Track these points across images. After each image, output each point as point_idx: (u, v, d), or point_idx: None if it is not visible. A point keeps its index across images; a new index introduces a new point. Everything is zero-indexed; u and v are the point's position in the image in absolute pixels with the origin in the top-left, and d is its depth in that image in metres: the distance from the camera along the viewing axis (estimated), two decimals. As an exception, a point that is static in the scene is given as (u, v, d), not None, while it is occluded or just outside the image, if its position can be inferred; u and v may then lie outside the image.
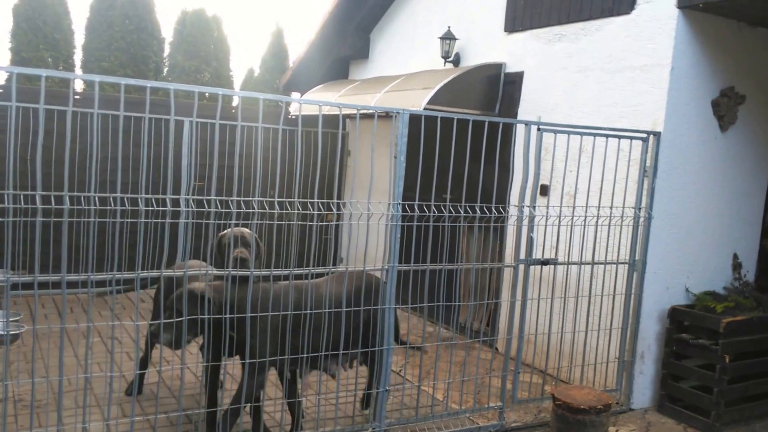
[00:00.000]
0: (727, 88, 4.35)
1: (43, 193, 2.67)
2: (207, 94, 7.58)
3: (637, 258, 4.20)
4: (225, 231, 3.48)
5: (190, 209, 2.98)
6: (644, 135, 4.11)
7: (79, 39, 7.85)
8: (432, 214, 3.47)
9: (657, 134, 4.12)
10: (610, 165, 4.14)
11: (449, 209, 3.53)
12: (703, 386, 4.08)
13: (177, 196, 3.16)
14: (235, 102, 7.68)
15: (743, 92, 4.42)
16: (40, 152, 2.68)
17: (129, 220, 2.88)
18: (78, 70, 7.85)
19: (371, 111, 3.68)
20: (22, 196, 2.61)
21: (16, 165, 2.97)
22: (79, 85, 7.69)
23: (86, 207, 2.75)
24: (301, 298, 3.29)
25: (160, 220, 3.15)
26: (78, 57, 7.86)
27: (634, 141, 4.12)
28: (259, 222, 3.20)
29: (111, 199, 2.81)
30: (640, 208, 4.17)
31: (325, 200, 3.41)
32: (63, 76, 2.80)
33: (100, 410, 3.69)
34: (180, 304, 3.03)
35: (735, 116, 4.42)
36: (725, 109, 4.35)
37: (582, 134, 3.96)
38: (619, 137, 4.05)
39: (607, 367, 4.31)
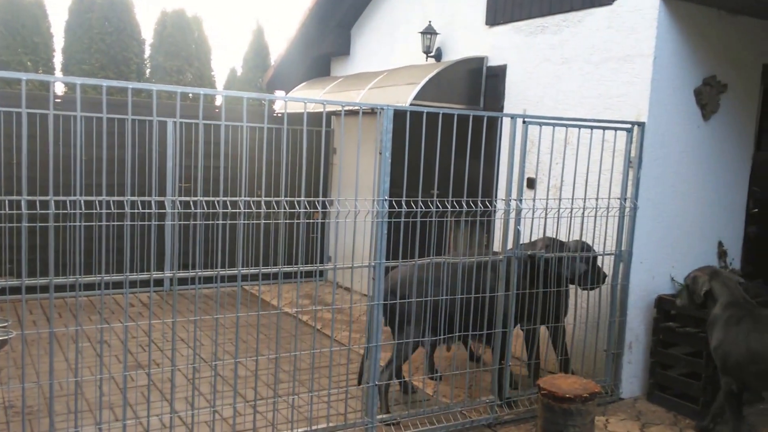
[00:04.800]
0: (709, 77, 4.39)
1: (29, 198, 2.62)
2: (191, 95, 7.52)
3: (623, 248, 4.23)
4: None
5: (176, 210, 2.96)
6: (628, 125, 4.14)
7: (59, 42, 7.75)
8: (419, 209, 3.46)
9: (641, 124, 4.15)
10: (596, 156, 4.16)
11: (436, 204, 3.53)
12: (691, 373, 4.11)
13: (163, 198, 3.13)
14: (219, 101, 7.63)
15: (725, 81, 4.46)
16: (25, 157, 2.64)
17: (115, 223, 2.84)
18: (58, 74, 7.75)
19: (356, 108, 3.67)
20: (7, 202, 2.55)
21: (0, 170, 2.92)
22: (60, 88, 7.59)
23: (72, 211, 2.72)
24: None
25: (146, 223, 3.11)
26: (58, 60, 7.76)
27: (618, 132, 4.15)
28: (245, 222, 3.17)
29: (96, 202, 2.78)
30: (625, 199, 4.20)
31: (311, 198, 3.39)
32: (43, 79, 2.77)
33: (93, 415, 3.66)
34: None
35: (717, 105, 4.46)
36: (707, 97, 4.39)
37: (567, 126, 3.97)
38: (604, 128, 4.08)
39: (596, 358, 4.34)
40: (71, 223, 2.89)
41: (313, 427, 3.48)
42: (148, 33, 8.20)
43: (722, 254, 4.71)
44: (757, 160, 4.86)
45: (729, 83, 4.48)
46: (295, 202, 3.27)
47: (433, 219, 3.57)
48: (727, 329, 3.46)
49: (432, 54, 5.82)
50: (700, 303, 3.68)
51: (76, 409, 2.95)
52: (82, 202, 2.72)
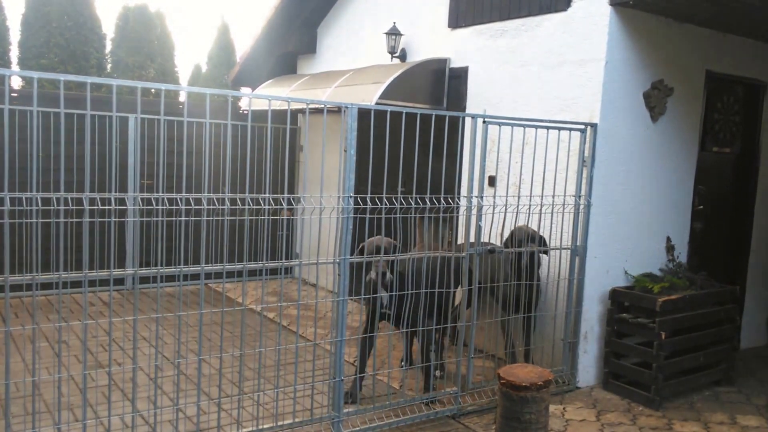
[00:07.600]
0: (657, 80, 4.62)
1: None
2: (153, 90, 7.41)
3: (578, 243, 4.41)
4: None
5: (137, 207, 2.96)
6: (582, 126, 4.32)
7: (15, 35, 7.53)
8: (384, 206, 3.53)
9: (594, 125, 4.33)
10: (552, 156, 4.32)
11: (400, 201, 3.61)
12: (643, 362, 4.30)
13: (123, 195, 3.11)
14: (182, 98, 7.55)
15: (672, 85, 4.70)
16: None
17: (73, 220, 2.82)
18: (15, 68, 7.52)
19: (321, 105, 3.72)
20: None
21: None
22: (17, 82, 7.39)
23: (28, 208, 2.69)
24: None
25: (105, 219, 3.09)
26: (14, 54, 7.54)
27: (573, 132, 4.32)
28: (208, 219, 3.18)
29: (54, 199, 2.75)
30: (580, 196, 4.38)
31: (276, 195, 3.41)
32: (-4, 72, 2.69)
33: (51, 416, 3.60)
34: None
35: (664, 107, 4.70)
36: (656, 100, 4.62)
37: (524, 126, 4.12)
38: (559, 129, 4.24)
39: (554, 349, 4.51)
40: (27, 220, 2.86)
41: (279, 423, 3.51)
42: (109, 28, 8.05)
43: (670, 249, 4.96)
44: (702, 160, 5.13)
45: (675, 87, 4.73)
46: (260, 199, 3.29)
47: (398, 215, 3.65)
48: None
49: (397, 54, 5.92)
50: None
51: (33, 411, 2.90)
52: (39, 198, 2.69)
